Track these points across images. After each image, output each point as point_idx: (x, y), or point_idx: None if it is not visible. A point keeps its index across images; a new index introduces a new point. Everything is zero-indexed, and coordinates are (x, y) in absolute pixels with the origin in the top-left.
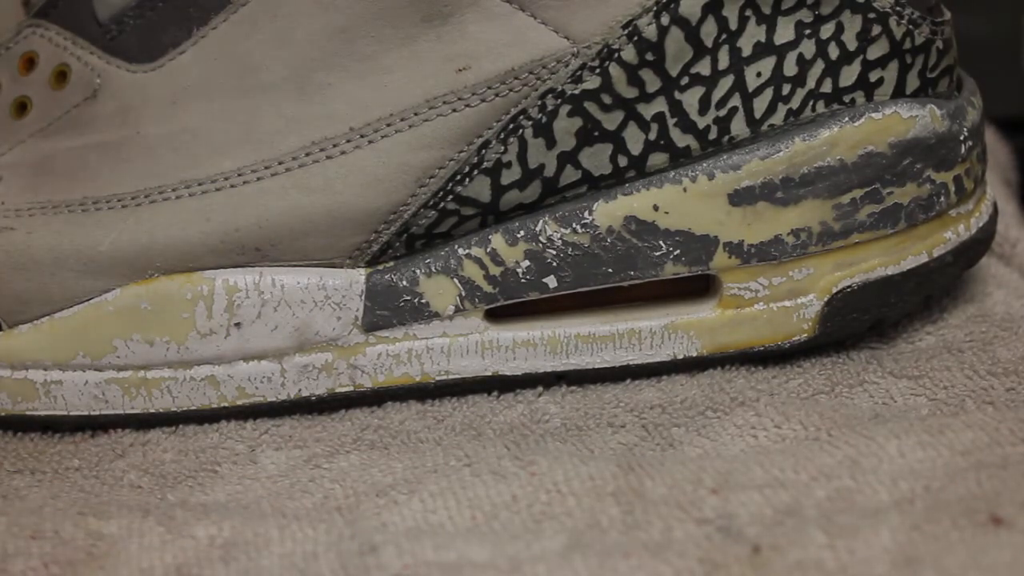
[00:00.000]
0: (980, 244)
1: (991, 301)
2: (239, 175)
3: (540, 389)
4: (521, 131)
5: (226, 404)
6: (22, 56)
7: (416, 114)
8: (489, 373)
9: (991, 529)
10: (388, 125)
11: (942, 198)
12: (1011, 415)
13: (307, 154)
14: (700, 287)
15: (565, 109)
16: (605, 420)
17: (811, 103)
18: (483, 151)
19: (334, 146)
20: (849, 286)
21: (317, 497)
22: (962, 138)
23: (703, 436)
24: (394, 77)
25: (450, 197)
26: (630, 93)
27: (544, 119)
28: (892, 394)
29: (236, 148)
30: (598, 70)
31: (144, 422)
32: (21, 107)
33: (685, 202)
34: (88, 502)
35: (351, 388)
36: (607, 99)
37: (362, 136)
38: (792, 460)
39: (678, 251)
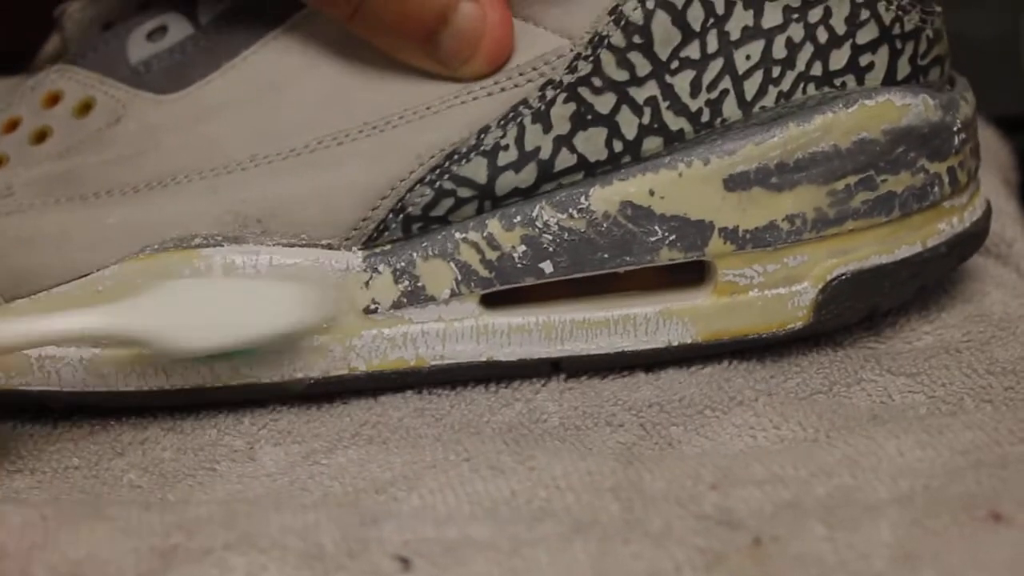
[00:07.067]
0: (974, 238)
1: (988, 301)
2: (251, 160)
3: (538, 387)
4: (521, 118)
5: (220, 384)
6: (46, 94)
7: (428, 108)
8: (484, 359)
9: (991, 526)
10: (400, 118)
11: (936, 188)
12: (1010, 415)
13: (319, 142)
14: (695, 279)
15: (561, 96)
16: (603, 419)
17: (802, 85)
18: (482, 135)
19: (346, 135)
20: (844, 274)
21: (316, 495)
22: (955, 129)
23: (701, 435)
24: (411, 81)
25: (447, 176)
26: (620, 76)
27: (543, 107)
28: (890, 392)
29: (251, 144)
30: (591, 57)
31: (137, 402)
32: (41, 135)
33: (680, 187)
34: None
35: (346, 371)
36: (598, 82)
37: (374, 127)
38: (791, 458)
39: (674, 236)
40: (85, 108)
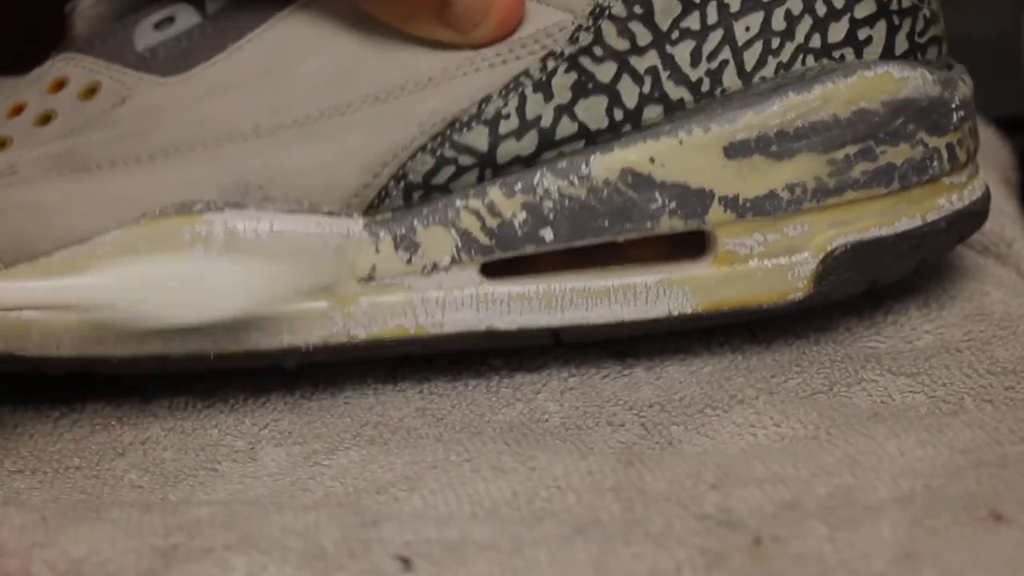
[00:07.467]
0: (974, 217)
1: (989, 300)
2: (253, 131)
3: (539, 387)
4: (522, 88)
5: (218, 350)
6: (52, 80)
7: (430, 79)
8: (484, 327)
9: (991, 525)
10: (402, 89)
11: (935, 163)
12: (1010, 414)
13: (321, 113)
14: (695, 253)
15: (563, 67)
16: (604, 419)
17: (801, 57)
18: (484, 104)
19: (348, 106)
20: (844, 244)
21: (318, 495)
22: (954, 106)
23: (702, 435)
24: (414, 52)
25: (448, 144)
26: (621, 45)
27: (544, 78)
28: (890, 392)
29: (254, 117)
30: (592, 28)
31: (135, 369)
32: (46, 118)
33: (681, 154)
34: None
35: (345, 339)
36: (599, 51)
37: (376, 99)
38: (792, 458)
39: (674, 203)
40: (90, 92)
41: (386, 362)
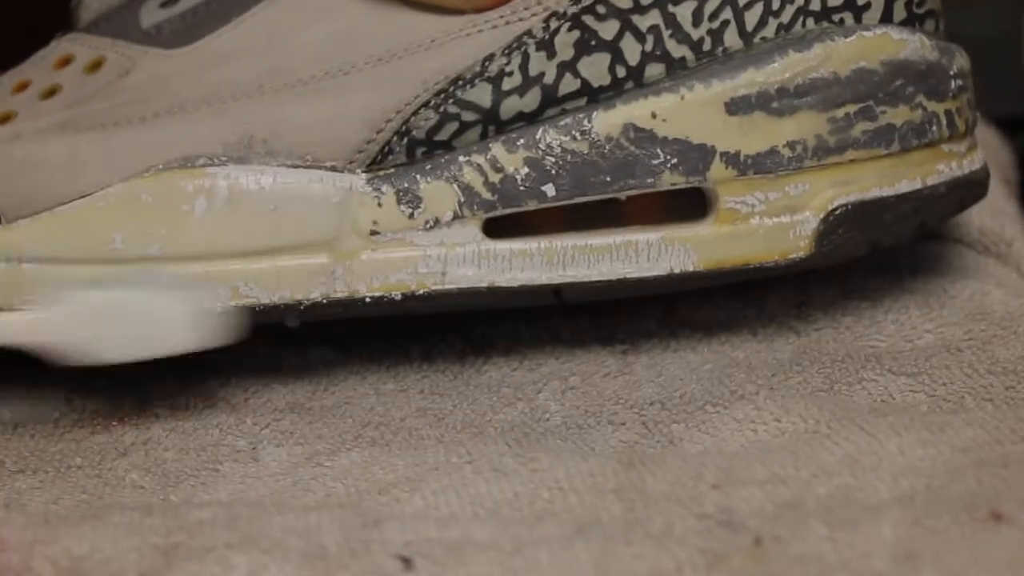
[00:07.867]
0: (975, 186)
1: (990, 300)
2: (258, 90)
3: (540, 387)
4: (525, 47)
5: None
6: (57, 58)
7: (432, 40)
8: (485, 284)
9: (991, 525)
10: (405, 49)
11: (934, 127)
12: (1011, 413)
13: (325, 73)
14: (698, 216)
15: (565, 25)
16: (605, 418)
17: (801, 19)
18: (487, 63)
19: (352, 67)
20: (845, 204)
21: (319, 495)
22: (952, 74)
23: (703, 432)
24: (417, 16)
25: (451, 100)
26: (624, 3)
27: (547, 36)
28: (891, 391)
29: (259, 79)
30: None
31: None
32: (50, 92)
33: (683, 110)
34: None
35: (347, 294)
36: (601, 9)
37: (380, 59)
38: (792, 457)
39: (676, 159)
40: (95, 66)
41: (387, 360)
